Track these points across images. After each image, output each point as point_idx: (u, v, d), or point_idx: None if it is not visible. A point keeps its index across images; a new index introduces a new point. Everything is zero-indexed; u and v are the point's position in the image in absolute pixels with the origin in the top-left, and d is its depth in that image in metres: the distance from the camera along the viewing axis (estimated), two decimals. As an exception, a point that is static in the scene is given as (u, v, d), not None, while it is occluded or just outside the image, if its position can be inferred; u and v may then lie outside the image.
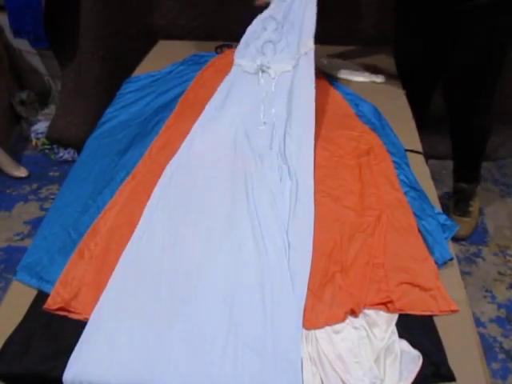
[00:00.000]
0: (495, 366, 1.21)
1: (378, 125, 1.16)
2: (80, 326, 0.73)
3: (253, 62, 1.19)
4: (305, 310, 0.73)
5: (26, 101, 2.01)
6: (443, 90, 1.41)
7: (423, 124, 1.34)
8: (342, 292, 0.76)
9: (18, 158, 1.91)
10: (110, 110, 1.27)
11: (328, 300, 0.75)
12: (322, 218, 0.89)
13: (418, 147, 1.11)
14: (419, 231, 0.86)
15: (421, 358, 0.67)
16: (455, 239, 1.53)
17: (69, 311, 0.75)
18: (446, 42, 1.28)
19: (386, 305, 0.75)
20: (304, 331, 0.71)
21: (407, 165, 1.03)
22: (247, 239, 0.83)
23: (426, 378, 0.65)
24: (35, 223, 1.63)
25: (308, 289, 0.76)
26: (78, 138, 1.73)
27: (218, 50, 1.54)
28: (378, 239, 0.84)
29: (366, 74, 1.41)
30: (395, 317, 0.73)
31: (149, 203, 0.92)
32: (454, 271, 0.82)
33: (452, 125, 1.49)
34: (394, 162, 1.03)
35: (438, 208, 0.93)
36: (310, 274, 0.78)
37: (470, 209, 1.58)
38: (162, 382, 0.66)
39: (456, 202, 1.59)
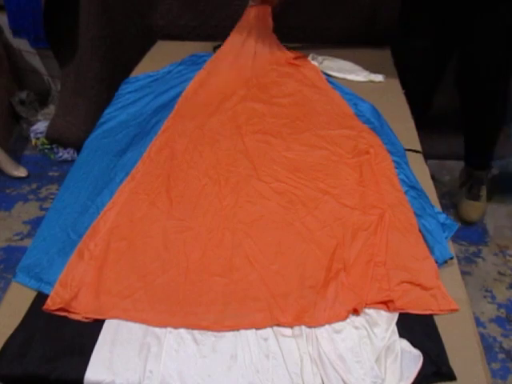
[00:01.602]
0: (495, 366, 1.20)
1: (378, 124, 1.16)
2: (80, 327, 0.73)
3: None
4: (307, 307, 0.73)
5: (25, 101, 2.01)
6: (457, 80, 1.42)
7: (423, 124, 1.34)
8: (344, 290, 0.76)
9: (17, 158, 1.91)
10: (108, 110, 1.27)
11: (331, 298, 0.75)
12: (323, 216, 0.90)
13: (418, 146, 1.11)
14: (419, 230, 0.86)
15: (421, 357, 0.66)
16: (468, 224, 1.59)
17: (68, 311, 0.75)
18: (450, 39, 1.30)
19: (386, 304, 0.75)
20: (304, 330, 0.71)
21: (407, 164, 1.03)
22: None
23: (426, 378, 0.65)
24: (35, 223, 1.63)
25: (311, 286, 0.76)
26: (77, 138, 1.73)
27: (217, 49, 1.54)
28: (381, 238, 0.84)
29: (365, 73, 1.41)
30: (396, 316, 0.73)
31: None
32: (454, 270, 0.81)
33: (466, 115, 1.51)
34: (394, 161, 1.03)
35: (438, 207, 0.93)
36: (314, 271, 0.79)
37: (481, 193, 1.62)
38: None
39: (470, 188, 1.62)
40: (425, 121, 1.52)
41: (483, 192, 1.62)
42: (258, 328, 0.72)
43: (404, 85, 1.36)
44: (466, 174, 1.66)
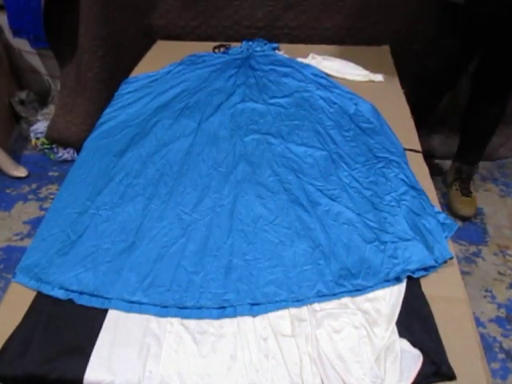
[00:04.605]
0: (495, 365, 1.20)
1: (377, 124, 1.16)
2: (80, 327, 0.73)
3: None
4: None
5: (25, 100, 2.01)
6: (476, 76, 1.44)
7: (424, 124, 1.34)
8: None
9: (17, 158, 1.91)
10: (108, 110, 1.27)
11: None
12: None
13: (417, 146, 1.11)
14: (419, 230, 0.86)
15: (421, 357, 0.66)
16: (465, 219, 1.60)
17: None
18: (482, 42, 1.32)
19: None
20: (304, 330, 0.71)
21: (406, 164, 1.03)
22: None
23: (426, 377, 0.65)
24: (34, 223, 1.63)
25: None
26: (77, 138, 1.73)
27: (216, 50, 1.54)
28: None
29: (365, 73, 1.41)
30: (395, 316, 0.73)
31: None
32: (454, 270, 0.81)
33: (470, 111, 1.53)
34: (394, 161, 1.03)
35: (438, 207, 0.93)
36: None
37: (471, 188, 1.65)
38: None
39: (462, 184, 1.64)
40: (429, 121, 1.53)
41: (472, 187, 1.66)
42: None
43: (424, 86, 1.37)
44: (457, 172, 1.67)
